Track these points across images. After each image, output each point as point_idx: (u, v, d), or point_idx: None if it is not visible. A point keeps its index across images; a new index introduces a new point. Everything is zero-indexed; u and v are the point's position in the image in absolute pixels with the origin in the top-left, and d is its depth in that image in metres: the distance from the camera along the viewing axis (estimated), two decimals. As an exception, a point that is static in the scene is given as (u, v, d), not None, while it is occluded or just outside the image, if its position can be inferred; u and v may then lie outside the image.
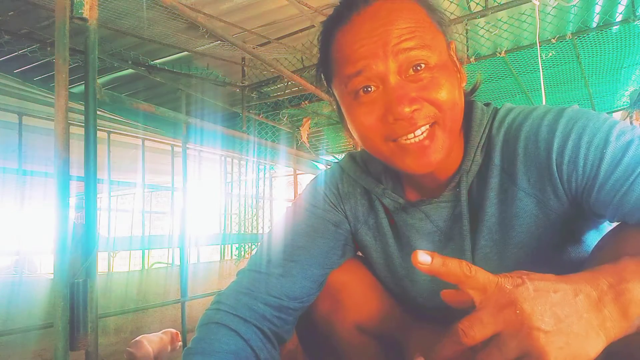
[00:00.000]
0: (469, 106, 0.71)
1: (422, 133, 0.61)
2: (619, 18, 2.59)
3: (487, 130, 0.70)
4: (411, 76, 0.61)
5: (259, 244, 0.82)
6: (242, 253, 4.24)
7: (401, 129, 0.61)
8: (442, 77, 0.61)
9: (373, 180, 0.78)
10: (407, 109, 0.59)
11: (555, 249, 0.69)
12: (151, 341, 2.28)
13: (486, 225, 0.69)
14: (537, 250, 0.68)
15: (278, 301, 0.72)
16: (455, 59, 0.67)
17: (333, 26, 0.66)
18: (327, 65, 0.68)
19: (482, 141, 0.69)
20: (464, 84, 0.68)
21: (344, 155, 0.88)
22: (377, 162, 0.78)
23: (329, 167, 0.91)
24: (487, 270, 0.69)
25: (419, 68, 0.60)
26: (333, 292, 0.80)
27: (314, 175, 0.91)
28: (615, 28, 2.68)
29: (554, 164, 0.62)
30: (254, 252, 0.81)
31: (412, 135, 0.61)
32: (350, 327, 0.81)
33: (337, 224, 0.80)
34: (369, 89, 0.62)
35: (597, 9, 2.61)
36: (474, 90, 0.74)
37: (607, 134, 0.58)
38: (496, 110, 0.72)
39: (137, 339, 2.28)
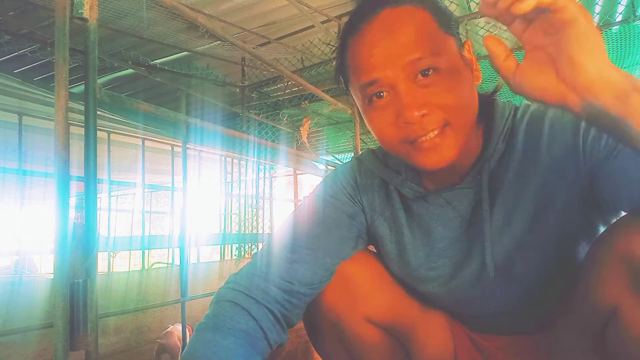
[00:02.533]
0: (490, 102, 0.74)
1: (434, 134, 0.64)
2: (619, 18, 2.59)
3: (509, 120, 0.72)
4: (420, 80, 0.63)
5: (278, 227, 0.85)
6: (242, 253, 4.24)
7: (413, 132, 0.64)
8: (451, 81, 0.63)
9: (392, 172, 0.80)
10: (416, 114, 0.62)
11: (569, 237, 0.71)
12: (179, 331, 2.28)
13: (504, 207, 0.71)
14: (553, 233, 0.70)
15: (290, 285, 0.75)
16: (470, 58, 0.69)
17: (346, 35, 0.69)
18: (344, 71, 0.72)
19: (505, 130, 0.72)
20: (479, 82, 0.69)
21: (363, 150, 0.91)
22: (395, 156, 0.81)
23: (330, 166, 0.94)
24: (502, 253, 0.71)
25: (427, 73, 0.63)
26: (342, 282, 0.82)
27: (319, 173, 0.94)
28: (615, 28, 2.67)
29: (581, 141, 0.65)
30: (272, 235, 0.84)
31: (424, 137, 0.64)
32: (359, 318, 0.82)
33: (352, 216, 0.83)
34: (381, 94, 0.65)
35: (597, 9, 2.61)
36: (495, 91, 0.77)
37: None
38: (516, 106, 0.75)
39: (167, 329, 2.31)
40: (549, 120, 0.69)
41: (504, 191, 0.71)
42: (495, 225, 0.72)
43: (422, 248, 0.80)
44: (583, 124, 0.65)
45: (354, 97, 0.73)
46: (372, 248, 0.91)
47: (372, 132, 0.71)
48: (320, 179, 0.93)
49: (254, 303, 0.73)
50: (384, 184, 0.83)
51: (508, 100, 0.78)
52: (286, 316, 0.76)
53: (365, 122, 0.72)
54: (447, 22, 0.66)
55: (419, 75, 0.63)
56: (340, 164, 4.57)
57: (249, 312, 0.72)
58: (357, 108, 0.74)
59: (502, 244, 0.72)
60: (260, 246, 3.43)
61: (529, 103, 0.75)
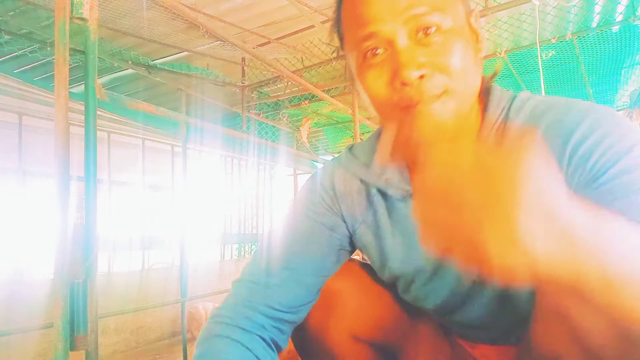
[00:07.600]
0: (487, 88, 0.69)
1: (431, 100, 0.58)
2: (619, 18, 2.59)
3: (504, 112, 0.66)
4: (422, 39, 0.57)
5: (256, 249, 0.81)
6: (242, 253, 4.25)
7: (408, 96, 0.58)
8: (455, 42, 0.58)
9: (374, 172, 0.74)
10: (414, 74, 0.56)
11: None
12: (205, 307, 2.98)
13: None
14: None
15: (275, 312, 0.72)
16: (475, 28, 0.63)
17: None
18: (339, 24, 0.66)
19: (499, 120, 0.66)
20: (482, 54, 0.64)
21: (341, 152, 0.86)
22: (380, 150, 0.73)
23: (326, 165, 0.88)
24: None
25: (430, 31, 0.57)
26: (327, 300, 0.79)
27: (312, 173, 0.89)
28: (615, 28, 2.67)
29: (567, 154, 0.59)
30: (250, 259, 0.80)
31: (420, 102, 0.58)
32: (344, 336, 0.80)
33: (333, 228, 0.77)
34: (377, 51, 0.59)
35: (597, 9, 2.61)
36: (494, 76, 0.71)
37: (633, 144, 0.55)
38: (514, 96, 0.69)
39: (194, 304, 2.88)
40: (546, 124, 0.62)
41: None
42: None
43: (408, 253, 0.74)
44: (575, 136, 0.58)
45: (348, 58, 0.66)
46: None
47: (364, 93, 0.64)
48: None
49: (244, 333, 0.69)
50: (364, 188, 0.76)
51: (508, 90, 0.71)
52: (275, 341, 0.73)
53: (358, 84, 0.65)
54: None
55: (421, 33, 0.57)
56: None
57: (240, 342, 0.68)
58: (351, 71, 0.66)
59: None
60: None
61: (529, 95, 0.68)
